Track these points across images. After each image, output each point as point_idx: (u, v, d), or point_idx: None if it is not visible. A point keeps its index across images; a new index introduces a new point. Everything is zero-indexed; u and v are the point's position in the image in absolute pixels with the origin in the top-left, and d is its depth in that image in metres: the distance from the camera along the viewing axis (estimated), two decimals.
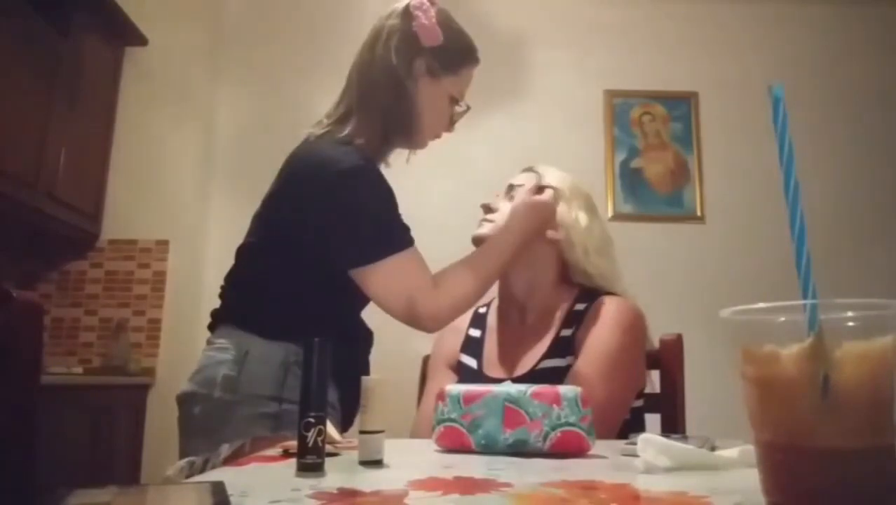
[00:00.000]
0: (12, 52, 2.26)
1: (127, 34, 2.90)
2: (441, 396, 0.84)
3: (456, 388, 0.84)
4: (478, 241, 1.27)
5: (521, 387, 0.81)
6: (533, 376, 1.14)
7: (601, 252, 1.26)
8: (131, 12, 2.82)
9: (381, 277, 1.09)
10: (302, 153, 1.20)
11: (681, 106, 3.30)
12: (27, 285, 2.65)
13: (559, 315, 1.22)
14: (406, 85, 1.17)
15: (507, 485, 0.56)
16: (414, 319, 1.11)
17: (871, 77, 3.30)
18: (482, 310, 1.36)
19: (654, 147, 3.27)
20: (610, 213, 3.15)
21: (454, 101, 1.25)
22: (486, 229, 1.27)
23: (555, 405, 0.77)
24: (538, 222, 1.20)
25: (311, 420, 0.62)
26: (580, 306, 1.21)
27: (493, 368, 1.24)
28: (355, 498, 0.52)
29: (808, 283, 0.43)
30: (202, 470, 0.76)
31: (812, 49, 3.33)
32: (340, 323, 1.20)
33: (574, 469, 0.65)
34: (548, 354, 1.17)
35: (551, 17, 3.39)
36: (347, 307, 1.22)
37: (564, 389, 0.78)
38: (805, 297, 0.42)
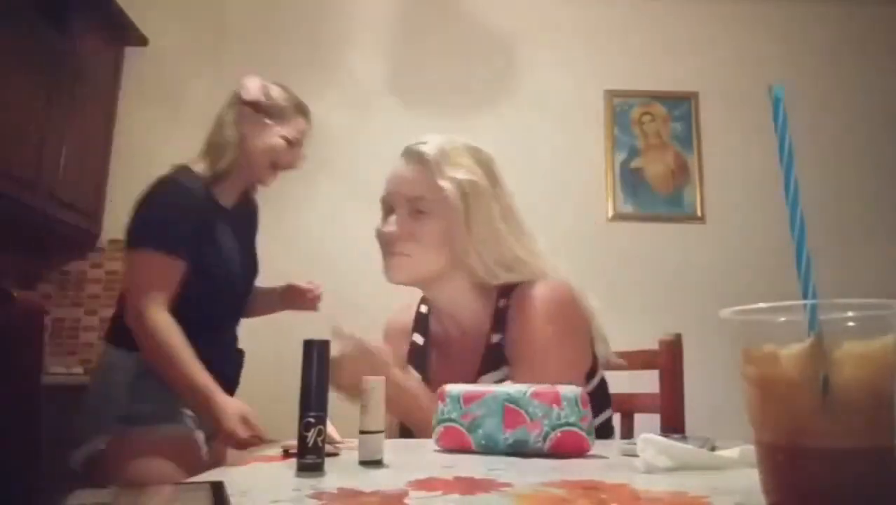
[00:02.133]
0: (13, 53, 2.26)
1: (127, 34, 2.90)
2: (441, 395, 0.84)
3: (456, 387, 0.84)
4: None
5: (521, 387, 0.81)
6: None
7: (494, 241, 1.08)
8: (131, 12, 2.83)
9: (128, 262, 1.41)
10: None
11: (681, 106, 3.30)
12: (27, 285, 2.65)
13: (486, 316, 1.10)
14: (233, 130, 1.61)
15: (507, 485, 0.56)
16: (129, 317, 1.36)
17: (871, 77, 3.30)
18: (424, 308, 1.22)
19: (654, 147, 3.27)
20: (610, 214, 3.15)
21: (286, 141, 1.61)
22: (402, 275, 1.10)
23: (555, 405, 0.77)
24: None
25: (311, 420, 0.62)
26: (502, 302, 1.09)
27: (438, 382, 1.08)
28: (355, 498, 0.52)
29: (808, 283, 0.43)
30: None
31: (812, 49, 3.33)
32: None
33: (574, 469, 0.65)
34: (483, 369, 1.06)
35: (551, 18, 3.39)
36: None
37: (565, 390, 0.78)
38: (805, 297, 0.42)
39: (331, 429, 0.81)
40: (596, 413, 1.03)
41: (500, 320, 1.08)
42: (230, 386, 1.51)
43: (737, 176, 3.17)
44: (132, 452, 1.29)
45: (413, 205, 1.08)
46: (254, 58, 3.32)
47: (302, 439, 0.62)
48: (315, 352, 0.65)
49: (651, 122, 3.29)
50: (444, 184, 1.06)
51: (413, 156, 1.10)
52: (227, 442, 1.35)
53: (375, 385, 0.72)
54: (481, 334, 1.10)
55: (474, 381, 1.05)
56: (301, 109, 1.65)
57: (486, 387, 0.84)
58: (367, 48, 3.31)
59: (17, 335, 0.76)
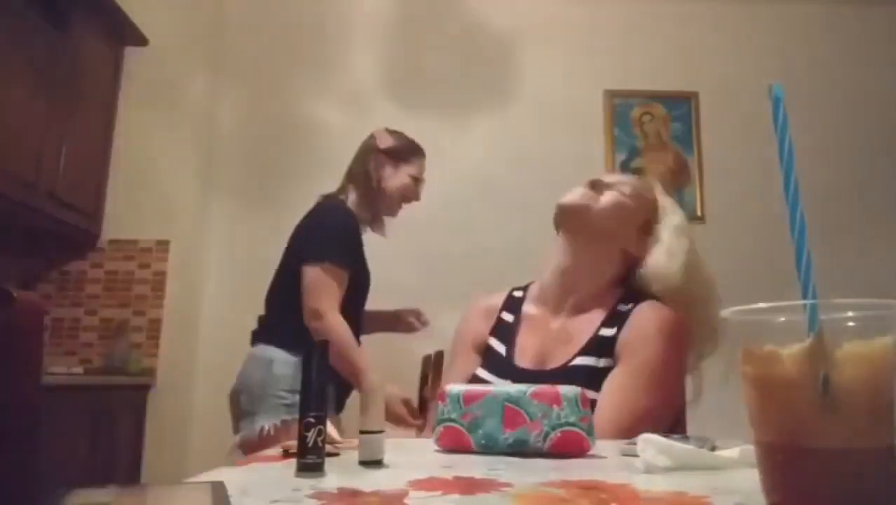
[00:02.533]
0: (12, 53, 2.26)
1: (127, 34, 2.90)
2: (441, 395, 0.84)
3: (456, 387, 0.84)
4: (562, 208, 1.24)
5: (521, 387, 0.81)
6: (565, 372, 1.08)
7: (678, 291, 1.18)
8: (131, 12, 2.82)
9: (309, 276, 1.67)
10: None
11: (681, 106, 3.30)
12: (27, 285, 2.65)
13: (601, 312, 1.17)
14: (371, 176, 1.94)
15: (507, 485, 0.56)
16: (308, 322, 1.65)
17: (871, 77, 3.30)
18: (518, 294, 1.30)
19: (655, 147, 3.27)
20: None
21: (414, 179, 1.95)
22: (576, 197, 1.22)
23: (555, 405, 0.77)
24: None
25: (311, 420, 0.62)
26: (623, 307, 1.16)
27: (523, 357, 1.18)
28: (355, 498, 0.51)
29: (808, 283, 0.43)
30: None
31: (812, 49, 3.33)
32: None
33: (574, 469, 0.65)
34: (583, 352, 1.12)
35: (551, 18, 3.39)
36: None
37: (564, 389, 0.78)
38: (805, 297, 0.42)
39: (331, 429, 0.81)
40: None
41: (617, 319, 1.14)
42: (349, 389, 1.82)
43: (737, 176, 3.17)
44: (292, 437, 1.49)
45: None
46: (254, 58, 3.32)
47: (302, 439, 0.62)
48: (315, 353, 0.65)
49: (651, 122, 3.29)
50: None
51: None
52: (395, 423, 1.68)
53: (375, 385, 0.72)
54: (586, 322, 1.16)
55: (568, 360, 1.12)
56: (420, 151, 1.99)
57: (487, 387, 0.84)
58: (367, 48, 3.31)
59: (17, 335, 0.76)
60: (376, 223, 1.96)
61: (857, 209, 3.16)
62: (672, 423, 1.12)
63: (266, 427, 1.60)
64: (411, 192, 1.95)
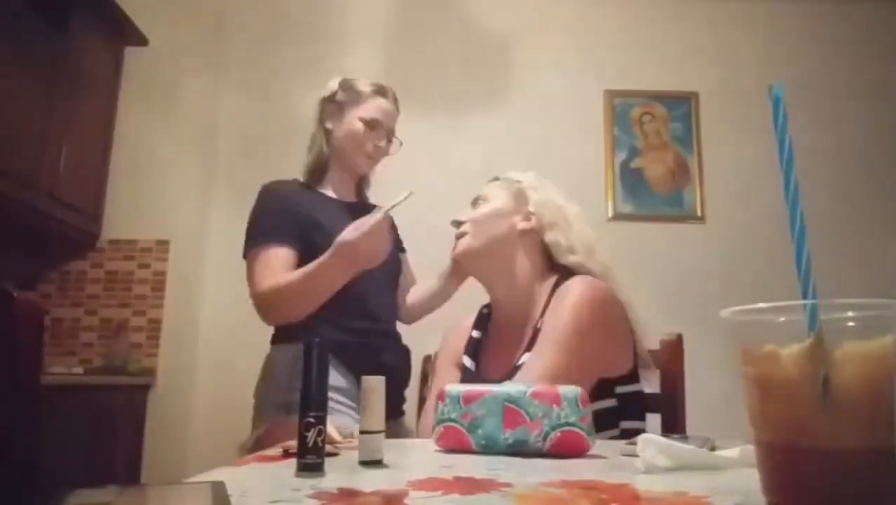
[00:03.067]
0: (12, 53, 2.26)
1: (127, 34, 2.90)
2: (441, 395, 0.84)
3: (456, 388, 0.84)
4: (462, 256, 1.31)
5: (521, 387, 0.81)
6: (515, 373, 1.11)
7: (567, 222, 1.27)
8: (131, 12, 2.82)
9: (247, 265, 1.52)
10: None
11: (681, 106, 3.30)
12: (27, 285, 2.65)
13: (539, 307, 1.21)
14: (320, 128, 1.66)
15: (507, 485, 0.56)
16: (255, 305, 1.50)
17: (871, 77, 3.30)
18: (486, 310, 1.37)
19: (655, 147, 3.27)
20: (610, 214, 3.16)
21: (367, 124, 1.60)
22: (463, 242, 1.30)
23: (555, 405, 0.77)
24: (362, 250, 1.38)
25: (311, 420, 0.62)
26: (555, 292, 1.20)
27: (489, 368, 1.24)
28: (355, 498, 0.51)
29: (808, 283, 0.43)
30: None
31: (812, 49, 3.33)
32: (334, 327, 1.49)
33: (574, 469, 0.65)
34: (527, 348, 1.16)
35: (551, 18, 3.39)
36: (336, 314, 1.50)
37: (565, 390, 0.78)
38: (805, 297, 0.42)
39: (331, 429, 0.81)
40: (623, 420, 1.11)
41: (547, 307, 1.17)
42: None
43: (737, 176, 3.17)
44: (286, 438, 1.38)
45: None
46: (254, 58, 3.32)
47: (302, 439, 0.62)
48: (314, 352, 0.65)
49: (651, 122, 3.29)
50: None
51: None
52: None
53: (375, 385, 0.72)
54: (530, 320, 1.20)
55: (516, 361, 1.14)
56: (379, 91, 1.64)
57: (487, 387, 0.84)
58: (367, 48, 3.31)
59: (17, 335, 0.76)
60: (338, 182, 1.65)
61: (858, 209, 3.16)
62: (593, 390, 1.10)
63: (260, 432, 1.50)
64: (365, 141, 1.59)
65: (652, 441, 0.65)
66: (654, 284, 2.99)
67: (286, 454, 0.75)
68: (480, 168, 3.07)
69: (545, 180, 1.36)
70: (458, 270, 1.51)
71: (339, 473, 0.63)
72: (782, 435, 0.42)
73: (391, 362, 1.50)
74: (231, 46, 3.32)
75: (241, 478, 0.61)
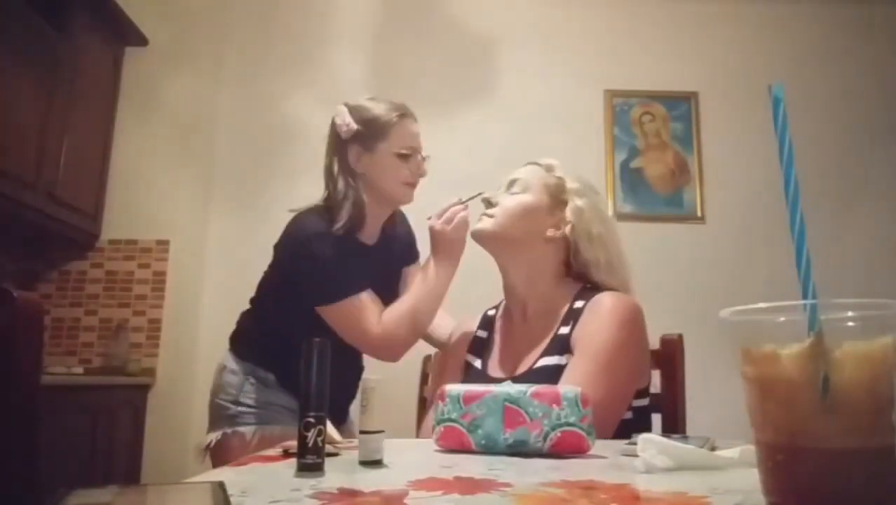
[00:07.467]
0: (12, 53, 2.26)
1: (127, 34, 2.90)
2: (441, 395, 0.84)
3: (456, 388, 0.84)
4: (478, 235, 1.28)
5: (521, 387, 0.81)
6: (531, 375, 1.12)
7: (604, 240, 1.25)
8: (131, 12, 2.82)
9: (333, 316, 1.39)
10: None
11: (681, 106, 3.30)
12: (27, 285, 2.65)
13: (559, 313, 1.21)
14: (348, 171, 1.48)
15: (507, 485, 0.56)
16: (369, 352, 1.46)
17: (871, 77, 3.30)
18: (491, 312, 1.38)
19: (654, 147, 3.27)
20: (610, 213, 3.15)
21: (401, 156, 1.47)
22: (486, 224, 1.26)
23: (555, 405, 0.77)
24: (458, 243, 1.37)
25: (311, 420, 0.62)
26: (579, 304, 1.20)
27: (495, 367, 1.24)
28: (355, 498, 0.52)
29: (808, 283, 0.43)
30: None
31: (812, 49, 3.33)
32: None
33: (574, 469, 0.65)
34: (546, 352, 1.16)
35: (551, 18, 3.39)
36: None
37: (564, 390, 0.78)
38: (805, 297, 0.42)
39: (331, 429, 0.81)
40: (635, 432, 1.10)
41: (572, 316, 1.18)
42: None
43: (737, 176, 3.17)
44: (231, 450, 1.43)
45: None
46: (254, 58, 3.32)
47: (302, 439, 0.62)
48: (315, 352, 0.65)
49: (651, 122, 3.29)
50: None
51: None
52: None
53: (375, 385, 0.72)
54: (547, 324, 1.20)
55: (533, 363, 1.16)
56: (401, 112, 1.50)
57: (487, 387, 0.84)
58: (367, 48, 3.31)
59: (17, 335, 0.76)
60: (373, 220, 1.52)
61: (858, 209, 3.16)
62: (620, 419, 1.12)
63: (212, 440, 1.49)
64: (407, 174, 1.47)
65: (652, 441, 0.65)
66: (654, 284, 2.98)
67: (286, 454, 0.75)
68: (481, 168, 3.08)
69: (590, 183, 1.33)
70: (444, 246, 1.40)
71: (339, 473, 0.63)
72: (782, 435, 0.42)
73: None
74: (231, 46, 3.31)
75: (241, 478, 0.61)
